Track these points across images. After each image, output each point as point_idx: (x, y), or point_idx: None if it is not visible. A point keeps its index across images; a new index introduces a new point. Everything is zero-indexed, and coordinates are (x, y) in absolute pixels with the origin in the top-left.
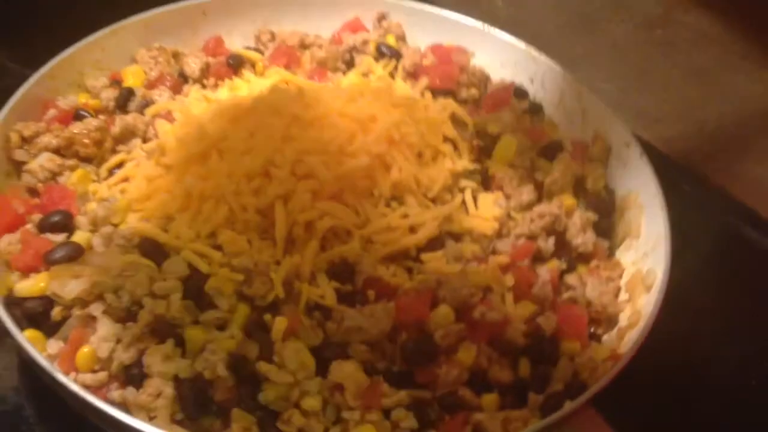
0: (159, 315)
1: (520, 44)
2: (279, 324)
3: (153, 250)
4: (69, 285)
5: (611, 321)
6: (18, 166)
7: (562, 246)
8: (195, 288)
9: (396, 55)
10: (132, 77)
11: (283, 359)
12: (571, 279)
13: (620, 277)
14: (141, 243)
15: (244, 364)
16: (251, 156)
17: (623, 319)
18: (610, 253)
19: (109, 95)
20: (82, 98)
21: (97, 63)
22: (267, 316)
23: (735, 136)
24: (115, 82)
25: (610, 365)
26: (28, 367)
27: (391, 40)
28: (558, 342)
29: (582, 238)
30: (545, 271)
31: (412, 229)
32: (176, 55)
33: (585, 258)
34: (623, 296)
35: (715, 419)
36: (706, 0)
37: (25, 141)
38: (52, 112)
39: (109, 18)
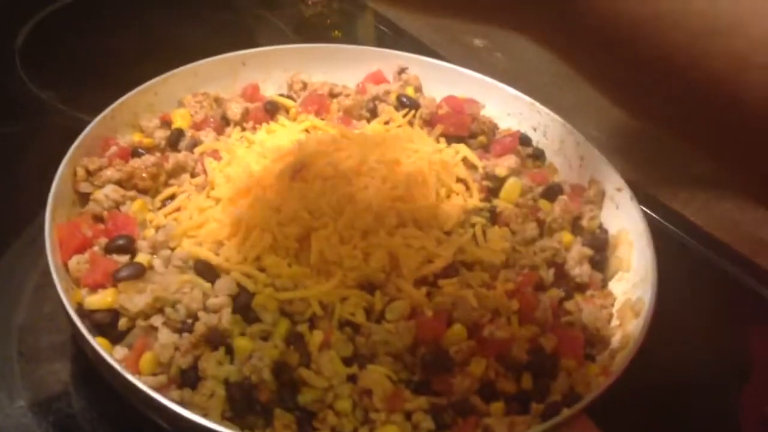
0: (212, 326)
1: (525, 98)
2: (316, 337)
3: (206, 270)
4: (134, 299)
5: (604, 343)
6: (81, 197)
7: (561, 277)
8: (243, 304)
9: (414, 105)
10: (180, 119)
11: (319, 367)
12: (569, 305)
13: (612, 305)
14: (195, 264)
15: (285, 370)
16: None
17: (614, 342)
18: (604, 284)
19: (161, 135)
20: (137, 137)
21: (150, 106)
22: (304, 329)
23: (714, 181)
24: (165, 123)
25: (602, 380)
26: (84, 374)
27: (410, 91)
28: (557, 360)
29: (579, 270)
30: (546, 298)
31: (430, 259)
32: (218, 100)
33: (581, 288)
34: (614, 322)
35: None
36: None
37: (90, 174)
38: (113, 149)
39: (144, 65)
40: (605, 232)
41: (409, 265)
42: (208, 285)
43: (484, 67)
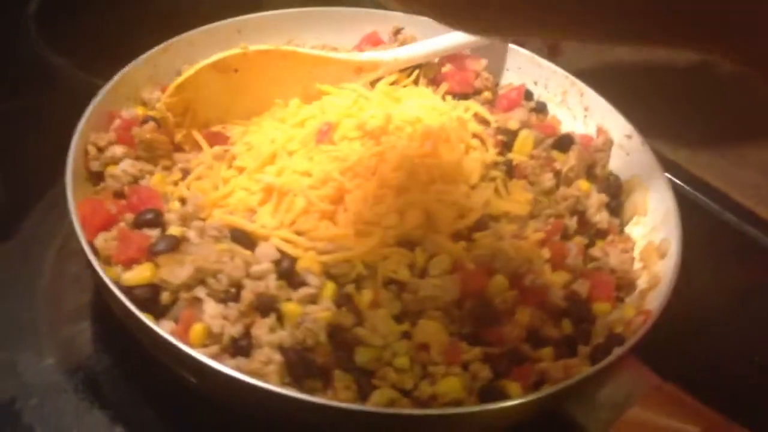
0: (260, 293)
1: (524, 51)
2: (365, 296)
3: (243, 238)
4: (176, 272)
5: (631, 286)
6: (92, 174)
7: (583, 224)
8: (286, 269)
9: (418, 64)
10: None
11: (373, 325)
12: (594, 251)
13: (632, 249)
14: (232, 233)
15: (340, 331)
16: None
17: (642, 284)
18: (621, 229)
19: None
20: (140, 110)
21: (150, 78)
22: (351, 290)
23: (734, 146)
24: None
25: (642, 318)
26: (110, 333)
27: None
28: (590, 304)
29: (600, 216)
30: (573, 245)
31: (461, 214)
32: None
33: (602, 234)
34: (638, 265)
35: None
36: None
37: (100, 150)
38: (117, 122)
39: (159, 29)
40: (617, 178)
41: (444, 220)
42: (248, 252)
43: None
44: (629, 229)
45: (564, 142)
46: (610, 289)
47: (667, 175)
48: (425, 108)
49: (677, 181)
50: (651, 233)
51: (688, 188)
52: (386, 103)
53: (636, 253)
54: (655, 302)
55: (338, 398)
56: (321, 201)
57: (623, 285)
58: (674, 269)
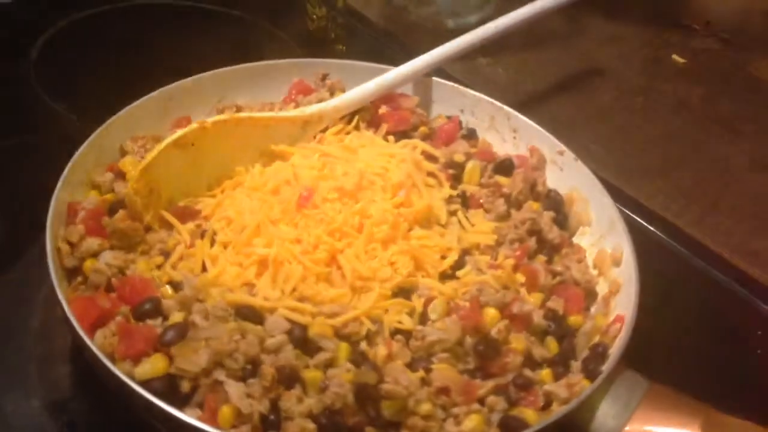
0: (281, 366)
1: (447, 82)
2: (380, 351)
3: (250, 314)
4: (192, 359)
5: (593, 294)
6: (67, 272)
7: (540, 242)
8: (299, 338)
9: (356, 110)
10: (131, 167)
11: (394, 378)
12: (556, 267)
13: (585, 258)
14: (238, 310)
15: (365, 389)
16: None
17: (602, 291)
18: (570, 241)
19: (121, 187)
20: (94, 194)
21: (97, 159)
22: (365, 347)
23: (706, 192)
24: (118, 174)
25: (618, 325)
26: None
27: (338, 95)
28: (566, 319)
29: (554, 233)
30: (539, 265)
31: (443, 254)
32: (157, 140)
33: (556, 248)
34: (593, 272)
35: None
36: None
37: (72, 246)
38: (82, 213)
39: (154, 77)
40: (557, 193)
41: (432, 264)
42: (258, 327)
43: (488, 83)
44: (577, 240)
45: (505, 167)
46: (581, 301)
47: (637, 218)
48: (384, 156)
49: (650, 227)
50: (599, 241)
51: (661, 235)
52: (347, 157)
53: (590, 262)
54: (624, 307)
55: None
56: (316, 265)
57: (586, 294)
58: (635, 274)
